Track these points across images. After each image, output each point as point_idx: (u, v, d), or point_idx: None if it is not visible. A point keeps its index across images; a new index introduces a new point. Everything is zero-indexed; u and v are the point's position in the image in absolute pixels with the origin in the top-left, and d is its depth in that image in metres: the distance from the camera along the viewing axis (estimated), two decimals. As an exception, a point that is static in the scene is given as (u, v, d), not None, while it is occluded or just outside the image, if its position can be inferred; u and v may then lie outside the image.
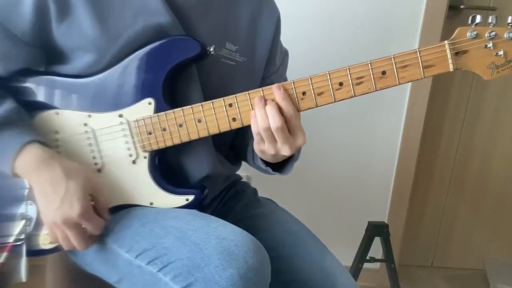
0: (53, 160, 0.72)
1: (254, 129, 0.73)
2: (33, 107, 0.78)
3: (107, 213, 0.76)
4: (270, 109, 0.71)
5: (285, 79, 1.00)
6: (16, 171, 0.72)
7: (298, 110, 0.73)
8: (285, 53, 1.02)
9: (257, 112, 0.72)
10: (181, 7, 0.79)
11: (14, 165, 0.71)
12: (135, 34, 0.76)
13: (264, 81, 0.94)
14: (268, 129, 0.71)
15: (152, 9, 0.76)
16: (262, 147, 0.75)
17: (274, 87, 0.72)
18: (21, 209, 0.79)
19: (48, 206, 0.71)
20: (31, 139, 0.72)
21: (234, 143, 0.97)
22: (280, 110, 0.71)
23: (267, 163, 0.84)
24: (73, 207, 0.69)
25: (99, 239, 0.77)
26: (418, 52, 0.69)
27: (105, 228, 0.79)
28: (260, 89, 0.74)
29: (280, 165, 0.85)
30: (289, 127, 0.72)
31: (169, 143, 0.78)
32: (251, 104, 0.74)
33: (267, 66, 0.94)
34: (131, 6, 0.76)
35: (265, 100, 0.72)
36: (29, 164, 0.71)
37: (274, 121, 0.71)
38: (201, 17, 0.82)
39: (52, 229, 0.73)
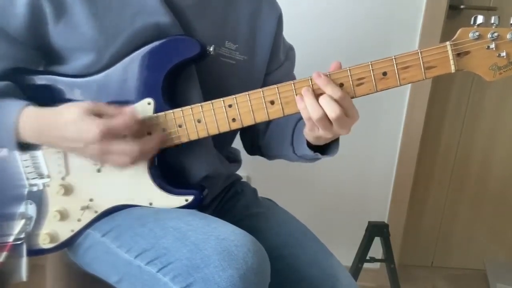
0: (47, 113, 0.71)
1: (305, 116, 0.72)
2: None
3: (125, 112, 0.72)
4: (326, 99, 0.69)
5: (293, 77, 1.00)
6: (23, 135, 0.71)
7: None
8: (290, 48, 1.01)
9: (308, 101, 0.70)
10: (179, 6, 0.79)
11: (18, 132, 0.71)
12: (133, 34, 0.76)
13: (268, 77, 0.94)
14: (324, 118, 0.70)
15: (150, 8, 0.76)
16: (317, 134, 0.73)
17: (314, 75, 0.71)
18: (21, 208, 0.79)
19: (79, 150, 0.71)
20: (28, 102, 0.72)
21: (260, 143, 0.97)
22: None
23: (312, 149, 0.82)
24: (90, 131, 0.67)
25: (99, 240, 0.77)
26: (419, 53, 0.69)
27: (105, 228, 0.79)
28: (260, 89, 0.73)
29: (325, 147, 0.83)
30: (343, 110, 0.70)
31: (168, 144, 0.77)
32: (250, 104, 0.74)
33: (270, 62, 0.94)
34: (129, 6, 0.75)
35: (313, 91, 0.71)
36: (33, 127, 0.71)
37: (333, 111, 0.69)
38: (199, 16, 0.82)
39: (101, 159, 0.72)
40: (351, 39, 1.53)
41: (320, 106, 0.70)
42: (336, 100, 0.69)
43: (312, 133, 0.74)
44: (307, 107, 0.70)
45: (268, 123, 0.94)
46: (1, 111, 0.72)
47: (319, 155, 0.83)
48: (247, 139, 1.02)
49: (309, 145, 0.81)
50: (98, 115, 0.69)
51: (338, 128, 0.71)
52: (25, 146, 0.74)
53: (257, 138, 0.98)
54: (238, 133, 1.00)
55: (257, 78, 0.92)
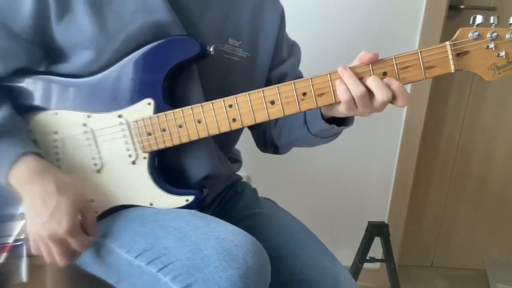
0: (46, 173, 0.71)
1: (345, 98, 0.71)
2: (32, 107, 0.78)
3: (94, 231, 0.75)
4: (375, 80, 0.70)
5: (299, 72, 0.99)
6: (10, 182, 0.71)
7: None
8: (293, 44, 1.00)
9: (350, 80, 0.70)
10: (181, 4, 0.79)
11: (8, 176, 0.71)
12: (134, 32, 0.76)
13: (272, 73, 0.94)
14: (365, 96, 0.70)
15: (151, 6, 0.76)
16: (355, 112, 0.74)
17: (340, 68, 0.71)
18: (21, 209, 0.79)
19: (36, 219, 0.70)
20: (26, 150, 0.72)
21: (272, 133, 0.97)
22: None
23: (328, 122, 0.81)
24: (61, 224, 0.68)
25: (99, 240, 0.77)
26: (419, 53, 0.69)
27: (105, 229, 0.79)
28: (261, 89, 0.74)
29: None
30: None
31: (168, 144, 0.77)
32: (250, 105, 0.74)
33: (274, 59, 0.93)
34: (130, 4, 0.75)
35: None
36: (23, 176, 0.71)
37: (381, 91, 0.69)
38: (201, 13, 0.82)
39: (36, 241, 0.72)
40: (352, 39, 1.53)
41: (362, 84, 0.70)
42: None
43: (349, 112, 0.74)
44: (349, 86, 0.70)
45: None
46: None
47: (335, 127, 0.81)
48: (258, 134, 1.02)
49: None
50: (81, 212, 0.71)
51: (379, 105, 0.71)
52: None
53: (268, 129, 0.98)
54: (240, 134, 1.00)
55: (260, 75, 0.92)
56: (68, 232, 0.69)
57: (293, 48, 0.99)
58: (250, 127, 1.01)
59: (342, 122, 0.82)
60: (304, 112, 0.84)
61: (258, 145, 1.04)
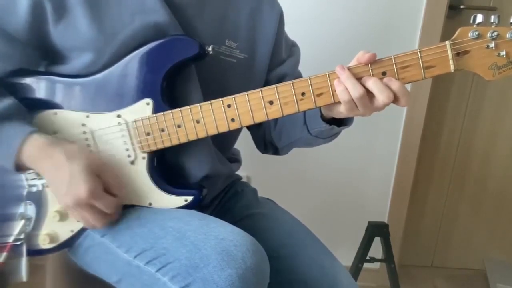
0: (53, 146, 0.72)
1: (345, 99, 0.71)
2: (31, 107, 0.78)
3: (118, 190, 0.75)
4: (376, 82, 0.69)
5: (298, 73, 0.99)
6: (22, 160, 0.72)
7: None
8: (292, 44, 1.00)
9: (348, 82, 0.70)
10: (179, 5, 0.79)
11: (19, 157, 0.71)
12: (132, 33, 0.75)
13: (271, 74, 0.94)
14: (364, 97, 0.70)
15: (149, 7, 0.76)
16: (356, 113, 0.73)
17: (337, 68, 0.70)
18: (21, 208, 0.79)
19: (58, 192, 0.73)
20: (33, 129, 0.72)
21: (272, 135, 0.97)
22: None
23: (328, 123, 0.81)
24: (80, 189, 0.69)
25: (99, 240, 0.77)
26: (419, 52, 0.69)
27: (104, 229, 0.79)
28: (259, 90, 0.73)
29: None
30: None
31: (167, 144, 0.77)
32: (249, 105, 0.74)
33: (272, 60, 0.93)
34: (128, 5, 0.75)
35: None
36: (33, 154, 0.72)
37: (382, 93, 0.69)
38: (198, 15, 0.82)
39: (70, 211, 0.74)
40: (351, 39, 1.53)
41: (361, 85, 0.69)
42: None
43: (350, 113, 0.73)
44: (348, 88, 0.70)
45: None
46: (5, 135, 0.72)
47: (335, 127, 0.81)
48: (258, 136, 1.02)
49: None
50: (98, 175, 0.71)
51: (381, 104, 0.71)
52: (20, 167, 0.74)
53: (268, 130, 0.97)
54: (239, 134, 1.00)
55: (258, 76, 0.92)
56: (90, 196, 0.69)
57: (292, 49, 0.99)
58: (250, 128, 1.01)
59: (342, 122, 0.82)
60: (304, 113, 0.84)
61: (257, 147, 1.04)
